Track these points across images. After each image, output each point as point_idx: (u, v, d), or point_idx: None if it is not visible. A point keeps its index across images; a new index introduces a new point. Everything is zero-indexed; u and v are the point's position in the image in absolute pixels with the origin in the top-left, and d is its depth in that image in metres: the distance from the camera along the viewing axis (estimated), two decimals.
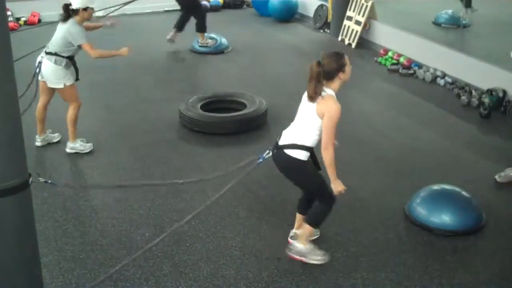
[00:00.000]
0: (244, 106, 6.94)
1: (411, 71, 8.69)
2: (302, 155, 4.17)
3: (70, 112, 6.11)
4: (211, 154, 6.23)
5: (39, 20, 11.42)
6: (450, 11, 10.41)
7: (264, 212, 5.11)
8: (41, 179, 3.90)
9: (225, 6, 12.92)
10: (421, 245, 4.67)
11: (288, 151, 4.19)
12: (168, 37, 9.85)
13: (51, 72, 5.94)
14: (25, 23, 11.32)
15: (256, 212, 5.11)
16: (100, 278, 4.16)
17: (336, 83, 4.15)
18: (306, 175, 4.29)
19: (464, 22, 10.05)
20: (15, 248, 3.13)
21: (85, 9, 5.90)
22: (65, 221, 4.98)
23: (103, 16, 8.33)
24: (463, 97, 7.53)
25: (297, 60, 9.45)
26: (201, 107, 6.86)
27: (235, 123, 6.59)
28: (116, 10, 8.60)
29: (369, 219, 5.04)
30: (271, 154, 4.36)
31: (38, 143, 6.31)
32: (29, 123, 5.98)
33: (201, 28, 9.77)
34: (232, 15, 12.37)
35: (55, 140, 6.42)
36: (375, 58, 9.34)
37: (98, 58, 6.24)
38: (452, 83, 8.07)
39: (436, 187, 5.05)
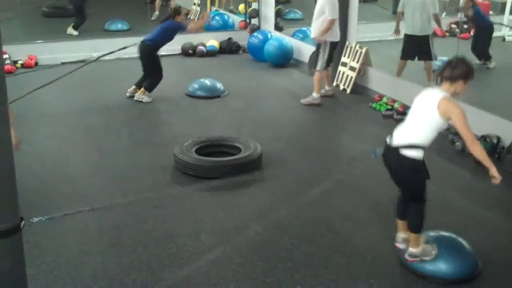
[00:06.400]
0: (239, 150, 6.94)
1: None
2: (420, 155, 4.27)
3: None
4: (205, 199, 6.20)
5: (36, 63, 11.49)
6: (444, 58, 10.50)
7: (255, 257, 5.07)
8: (35, 219, 3.85)
9: (221, 51, 13.04)
10: None
11: (406, 151, 4.28)
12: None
13: None
14: (22, 66, 11.37)
15: (247, 258, 5.07)
16: None
17: (452, 89, 4.32)
18: (420, 175, 4.39)
19: None
20: None
21: None
22: (56, 266, 4.91)
23: (94, 60, 8.30)
24: (457, 143, 7.54)
25: (292, 105, 9.50)
26: (196, 151, 6.86)
27: (229, 167, 6.59)
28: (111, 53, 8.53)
29: (363, 266, 4.98)
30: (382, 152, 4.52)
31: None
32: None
33: (149, 87, 9.40)
34: (228, 60, 12.48)
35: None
36: (370, 104, 9.40)
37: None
38: (446, 129, 8.07)
39: (430, 233, 5.00)
